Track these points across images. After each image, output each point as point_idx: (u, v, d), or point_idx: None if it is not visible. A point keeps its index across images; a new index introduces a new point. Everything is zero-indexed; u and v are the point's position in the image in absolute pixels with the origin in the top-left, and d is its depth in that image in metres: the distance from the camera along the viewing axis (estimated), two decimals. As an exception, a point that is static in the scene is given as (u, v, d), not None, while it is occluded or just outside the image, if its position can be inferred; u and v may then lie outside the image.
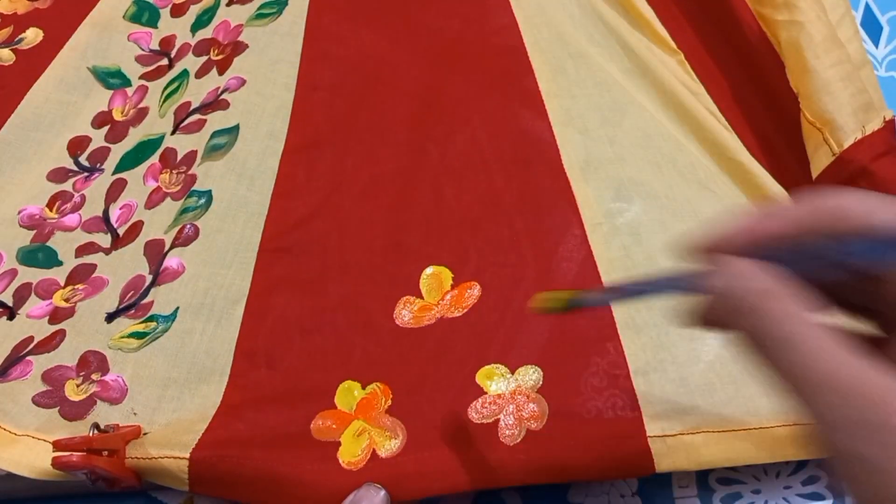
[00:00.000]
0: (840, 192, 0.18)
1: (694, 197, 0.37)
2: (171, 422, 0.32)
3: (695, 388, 0.30)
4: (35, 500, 0.33)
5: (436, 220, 0.38)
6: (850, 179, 0.34)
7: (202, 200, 0.39)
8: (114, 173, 0.42)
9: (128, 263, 0.38)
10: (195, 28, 0.48)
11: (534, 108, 0.41)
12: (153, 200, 0.40)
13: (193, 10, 0.49)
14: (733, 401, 0.30)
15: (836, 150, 0.34)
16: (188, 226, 0.38)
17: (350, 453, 0.30)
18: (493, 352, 0.32)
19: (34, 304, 0.37)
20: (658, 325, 0.32)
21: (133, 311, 0.36)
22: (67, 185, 0.42)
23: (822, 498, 0.31)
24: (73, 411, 0.33)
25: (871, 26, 0.46)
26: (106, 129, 0.44)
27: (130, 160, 0.42)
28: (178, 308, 0.35)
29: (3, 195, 0.42)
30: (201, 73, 0.45)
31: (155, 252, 0.38)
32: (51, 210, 0.41)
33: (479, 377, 0.32)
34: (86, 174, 0.42)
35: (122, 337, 0.35)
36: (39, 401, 0.33)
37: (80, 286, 0.37)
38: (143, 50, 0.48)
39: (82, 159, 0.43)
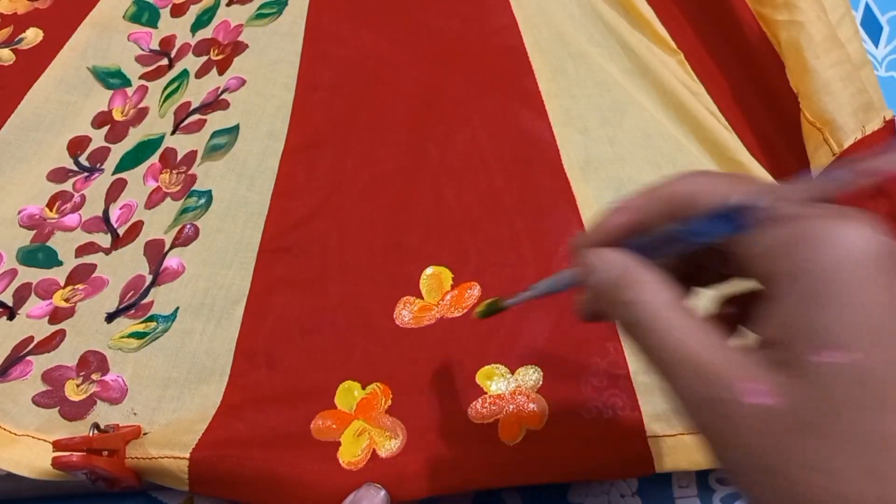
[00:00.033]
0: (688, 175, 0.20)
1: (694, 197, 0.37)
2: (171, 422, 0.32)
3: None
4: (35, 500, 0.33)
5: (436, 220, 0.38)
6: (850, 179, 0.34)
7: (202, 200, 0.39)
8: (114, 173, 0.42)
9: (128, 263, 0.38)
10: (195, 28, 0.48)
11: (534, 108, 0.41)
12: (153, 200, 0.40)
13: (193, 10, 0.49)
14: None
15: (836, 150, 0.34)
16: (188, 226, 0.38)
17: (350, 453, 0.30)
18: (493, 352, 0.32)
19: (34, 304, 0.37)
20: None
21: (133, 311, 0.36)
22: (67, 185, 0.42)
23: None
24: (73, 411, 0.33)
25: (871, 26, 0.46)
26: (106, 129, 0.44)
27: (130, 160, 0.42)
28: (178, 308, 0.36)
29: (3, 195, 0.42)
30: (201, 73, 0.45)
31: (155, 252, 0.38)
32: (51, 210, 0.41)
33: (479, 377, 0.32)
34: (86, 174, 0.42)
35: (122, 337, 0.35)
36: (39, 401, 0.33)
37: (80, 286, 0.37)
38: (143, 50, 0.48)
39: (82, 159, 0.43)
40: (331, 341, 0.34)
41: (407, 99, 0.43)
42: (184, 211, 0.39)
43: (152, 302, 0.36)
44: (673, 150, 0.39)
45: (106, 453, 0.30)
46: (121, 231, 0.39)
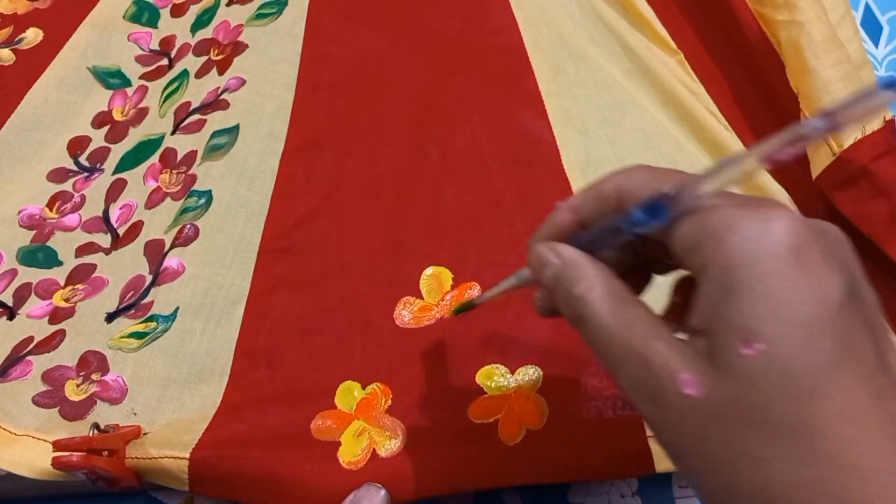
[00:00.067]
0: (629, 169, 0.21)
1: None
2: (171, 422, 0.32)
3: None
4: (35, 500, 0.33)
5: (436, 220, 0.38)
6: (850, 179, 0.34)
7: (202, 200, 0.39)
8: (114, 173, 0.42)
9: (128, 263, 0.38)
10: (195, 28, 0.48)
11: (534, 108, 0.41)
12: (153, 200, 0.40)
13: (193, 10, 0.49)
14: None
15: (836, 150, 0.34)
16: (188, 226, 0.38)
17: (350, 453, 0.30)
18: (493, 352, 0.32)
19: (34, 304, 0.37)
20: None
21: (133, 311, 0.36)
22: (67, 185, 0.42)
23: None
24: (73, 411, 0.33)
25: (871, 26, 0.46)
26: (106, 129, 0.44)
27: (130, 160, 0.42)
28: (178, 308, 0.36)
29: (3, 195, 0.42)
30: (201, 73, 0.45)
31: (155, 252, 0.38)
32: (51, 210, 0.41)
33: (479, 377, 0.32)
34: (86, 174, 0.42)
35: (122, 337, 0.35)
36: (39, 401, 0.33)
37: (80, 286, 0.37)
38: (143, 50, 0.48)
39: (82, 159, 0.43)
40: (331, 341, 0.34)
41: (407, 99, 0.43)
42: (184, 211, 0.39)
43: (152, 302, 0.36)
44: (673, 150, 0.39)
45: (106, 453, 0.30)
46: (121, 231, 0.39)
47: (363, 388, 0.32)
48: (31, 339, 0.35)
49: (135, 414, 0.33)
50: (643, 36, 0.44)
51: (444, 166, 0.40)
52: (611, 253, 0.21)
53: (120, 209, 0.40)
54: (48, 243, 0.39)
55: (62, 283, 0.38)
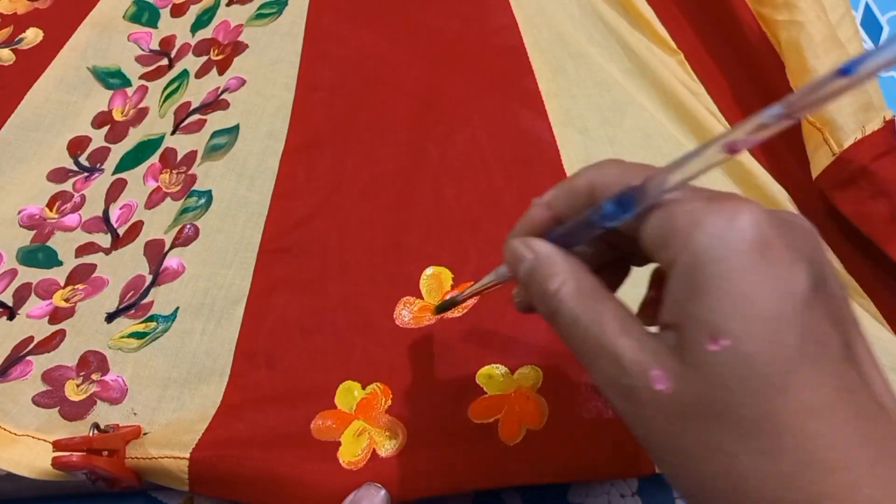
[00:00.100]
0: (602, 163, 0.21)
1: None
2: (171, 422, 0.32)
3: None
4: (35, 500, 0.33)
5: (436, 220, 0.38)
6: (850, 179, 0.34)
7: (202, 200, 0.39)
8: (114, 173, 0.42)
9: (128, 263, 0.38)
10: (195, 28, 0.48)
11: (534, 108, 0.41)
12: (153, 200, 0.40)
13: (193, 10, 0.49)
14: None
15: (836, 150, 0.34)
16: (188, 226, 0.38)
17: (350, 453, 0.30)
18: (493, 352, 0.32)
19: (34, 304, 0.37)
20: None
21: (133, 311, 0.36)
22: (67, 185, 0.42)
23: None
24: (73, 411, 0.33)
25: (871, 26, 0.46)
26: (106, 129, 0.44)
27: (130, 160, 0.42)
28: (178, 308, 0.36)
29: (3, 195, 0.42)
30: (201, 73, 0.45)
31: (155, 252, 0.38)
32: (51, 210, 0.41)
33: (479, 377, 0.32)
34: (86, 174, 0.42)
35: (122, 337, 0.35)
36: (39, 401, 0.33)
37: (80, 286, 0.37)
38: (143, 50, 0.48)
39: (82, 159, 0.43)
40: (331, 341, 0.34)
41: (407, 99, 0.43)
42: (184, 211, 0.39)
43: (152, 302, 0.36)
44: (673, 150, 0.39)
45: (106, 453, 0.30)
46: (121, 231, 0.39)
47: (363, 388, 0.32)
48: (31, 339, 0.35)
49: (135, 414, 0.33)
50: (643, 36, 0.44)
51: (444, 166, 0.40)
52: (587, 247, 0.21)
53: (120, 209, 0.40)
54: (48, 243, 0.39)
55: (62, 283, 0.38)
